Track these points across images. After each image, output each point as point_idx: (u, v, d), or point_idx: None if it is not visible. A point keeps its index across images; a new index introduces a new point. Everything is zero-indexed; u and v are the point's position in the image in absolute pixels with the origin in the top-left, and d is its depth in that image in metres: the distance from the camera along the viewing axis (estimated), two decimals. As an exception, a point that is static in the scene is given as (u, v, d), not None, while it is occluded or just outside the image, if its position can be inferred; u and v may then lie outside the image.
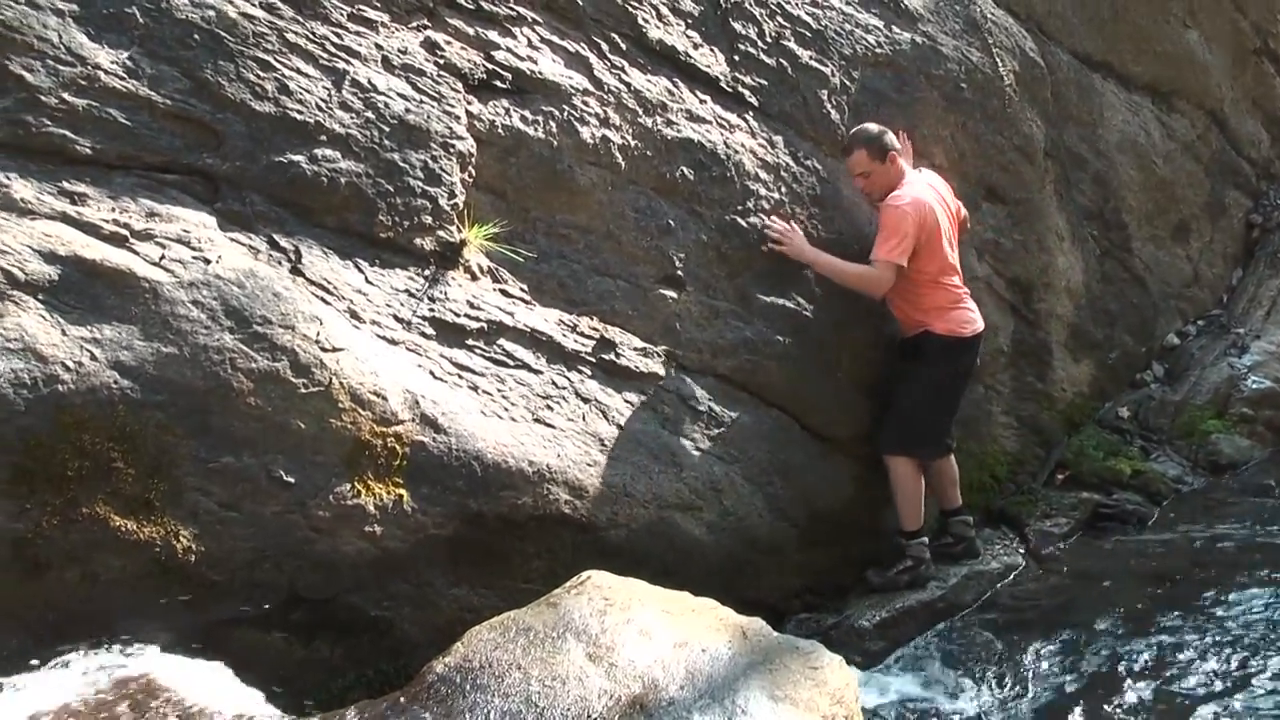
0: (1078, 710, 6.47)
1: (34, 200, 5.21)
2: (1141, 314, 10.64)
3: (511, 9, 6.76)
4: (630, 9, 7.18)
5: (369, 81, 6.15)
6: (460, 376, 6.07)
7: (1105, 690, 6.63)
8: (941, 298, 7.55)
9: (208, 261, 5.44)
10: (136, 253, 5.32)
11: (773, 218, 7.36)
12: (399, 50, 6.30)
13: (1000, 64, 9.12)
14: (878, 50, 8.31)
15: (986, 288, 8.83)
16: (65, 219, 5.25)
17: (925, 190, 7.52)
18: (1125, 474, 9.16)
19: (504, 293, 6.42)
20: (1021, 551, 8.32)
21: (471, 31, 6.58)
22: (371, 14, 6.27)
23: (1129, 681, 6.67)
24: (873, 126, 7.56)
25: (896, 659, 7.17)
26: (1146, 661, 6.85)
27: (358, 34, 6.20)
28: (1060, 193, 9.76)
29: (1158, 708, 6.42)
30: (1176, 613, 7.35)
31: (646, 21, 7.23)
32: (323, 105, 5.97)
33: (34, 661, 4.92)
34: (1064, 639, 7.16)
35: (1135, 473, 9.20)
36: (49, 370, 4.95)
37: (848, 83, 8.07)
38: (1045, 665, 6.94)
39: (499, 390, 6.17)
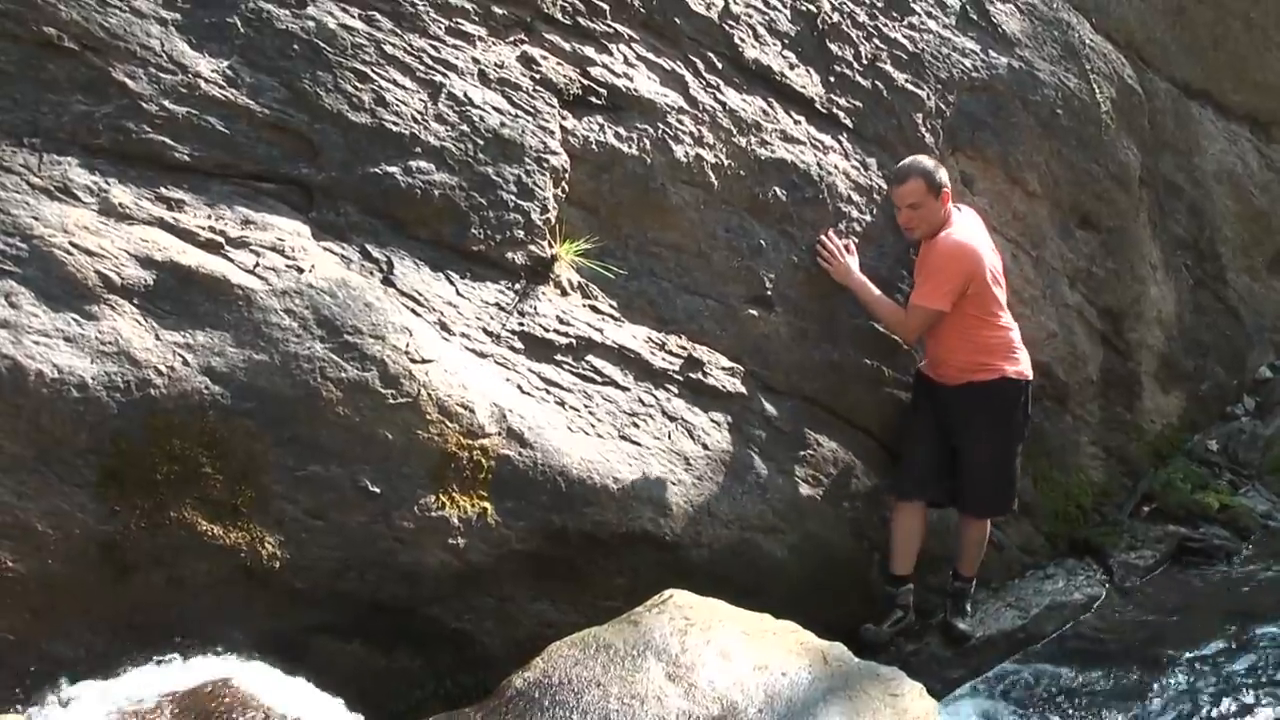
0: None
1: (132, 206, 5.26)
2: (1234, 346, 10.51)
3: (609, 25, 6.75)
4: (727, 28, 7.15)
5: (465, 95, 6.16)
6: (548, 391, 6.08)
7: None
8: (1005, 337, 7.20)
9: (301, 270, 5.47)
10: (231, 260, 5.36)
11: (830, 234, 7.22)
12: (495, 64, 6.31)
13: (1098, 90, 9.04)
14: (974, 74, 8.24)
15: (1078, 316, 8.75)
16: (162, 225, 5.30)
17: (976, 231, 7.28)
18: (1213, 508, 9.02)
19: (593, 309, 6.42)
20: (1105, 583, 8.22)
21: (568, 47, 6.58)
22: (469, 28, 6.28)
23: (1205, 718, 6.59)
24: (928, 160, 7.26)
25: (974, 687, 7.11)
26: (1227, 700, 6.76)
27: (455, 47, 6.21)
28: (1154, 221, 9.66)
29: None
30: (1261, 651, 7.25)
31: (743, 41, 7.20)
32: (418, 117, 5.99)
33: (118, 663, 4.97)
34: (1144, 674, 7.10)
35: (1223, 507, 9.06)
36: (142, 374, 5.00)
37: (943, 106, 8.01)
38: (1123, 699, 6.88)
39: (586, 406, 6.17)
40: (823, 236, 7.18)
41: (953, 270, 6.93)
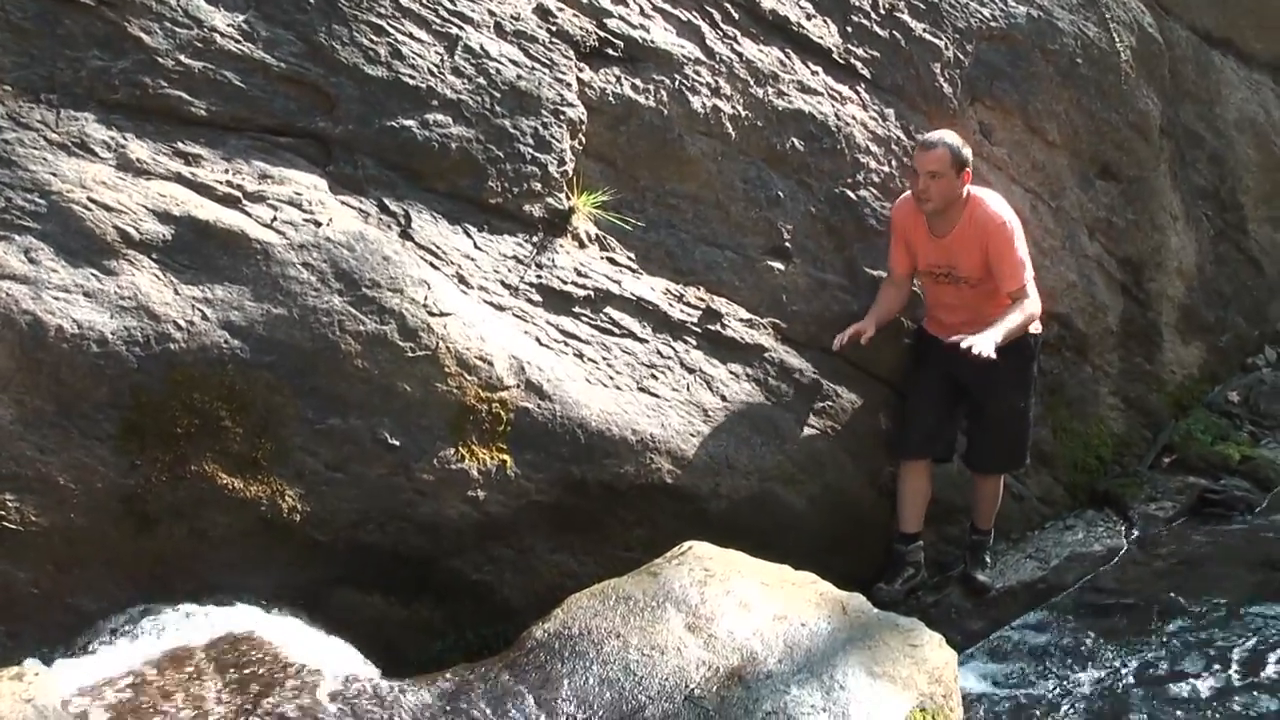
0: (1174, 696, 6.41)
1: (150, 160, 5.27)
2: (1255, 296, 10.47)
3: (624, -24, 6.74)
4: (743, -22, 7.14)
5: (481, 47, 6.15)
6: (566, 344, 6.08)
7: (1203, 677, 6.55)
8: None
9: (318, 224, 5.48)
10: (249, 214, 5.37)
11: (961, 339, 6.43)
12: (511, 16, 6.29)
13: (1117, 39, 8.98)
14: (992, 24, 8.19)
15: (1097, 266, 8.72)
16: (180, 179, 5.31)
17: (1000, 199, 7.07)
18: (1233, 459, 8.99)
19: (611, 261, 6.42)
20: (1125, 535, 8.21)
21: (584, -1, 6.58)
22: (485, -21, 6.28)
23: (1227, 670, 6.58)
24: (958, 136, 6.99)
25: (995, 638, 7.11)
26: (1247, 650, 6.75)
27: (471, 0, 6.20)
28: (1175, 171, 9.60)
29: (1257, 697, 6.34)
30: (1280, 602, 7.25)
31: (760, -9, 7.19)
32: (435, 70, 5.98)
33: (142, 613, 5.00)
34: (1164, 624, 7.08)
35: (1244, 458, 9.02)
36: (161, 328, 5.02)
37: (961, 56, 7.97)
38: (1144, 650, 6.86)
39: (604, 358, 6.17)
40: (963, 342, 6.38)
41: (1017, 238, 6.79)
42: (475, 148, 6.02)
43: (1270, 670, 6.57)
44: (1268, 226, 10.63)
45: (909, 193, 7.06)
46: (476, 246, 5.99)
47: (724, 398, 6.52)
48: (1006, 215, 6.82)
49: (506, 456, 5.74)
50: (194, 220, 5.22)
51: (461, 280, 5.86)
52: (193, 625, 4.96)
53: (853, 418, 7.05)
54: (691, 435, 6.31)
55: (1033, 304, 6.80)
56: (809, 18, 7.36)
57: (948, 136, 6.85)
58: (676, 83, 6.71)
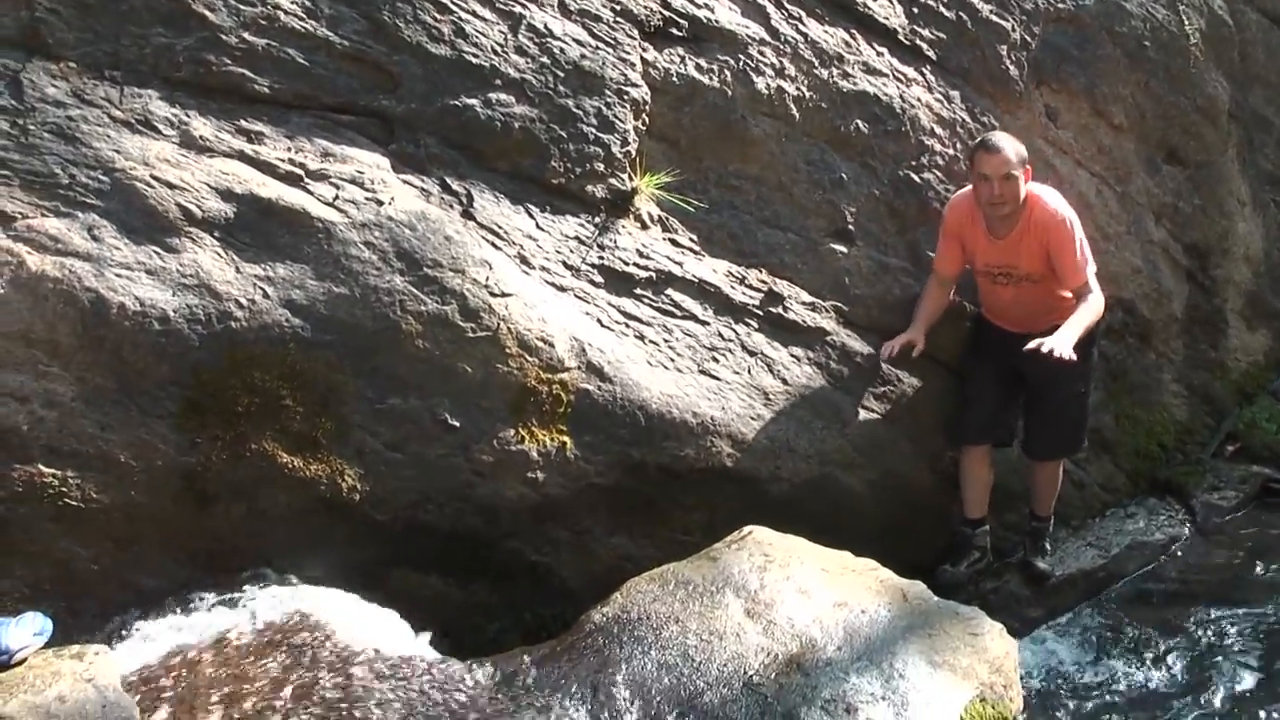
0: (1230, 687, 6.38)
1: (212, 138, 5.28)
2: (1322, 283, 10.36)
3: (689, -44, 6.70)
4: (809, -42, 7.09)
5: (545, 26, 6.13)
6: (627, 325, 6.06)
7: (1260, 669, 6.54)
8: None
9: (380, 203, 5.48)
10: (311, 193, 5.37)
11: (1039, 345, 6.23)
12: (576, -5, 6.28)
13: (1186, 22, 8.88)
14: (1060, 5, 8.10)
15: (1163, 252, 8.63)
16: (242, 157, 5.32)
17: (1056, 193, 6.88)
18: (1298, 448, 8.91)
19: (673, 242, 6.39)
20: (1186, 523, 8.13)
21: (649, -22, 6.54)
22: (549, -42, 6.26)
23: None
24: (1009, 135, 6.76)
25: (1054, 627, 7.07)
26: (1308, 642, 6.72)
27: (535, -22, 6.19)
28: (1243, 157, 9.49)
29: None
30: (1344, 593, 7.19)
31: (825, -29, 7.13)
32: (498, 49, 5.97)
33: (201, 591, 5.02)
34: (1223, 615, 7.04)
35: (1308, 447, 8.94)
36: (222, 307, 5.03)
37: (1028, 38, 7.89)
38: (1203, 640, 6.84)
39: (665, 340, 6.15)
40: (1043, 347, 6.19)
41: (1078, 234, 6.62)
42: (538, 127, 6.00)
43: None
44: (1337, 212, 10.51)
45: (964, 191, 6.89)
46: (539, 227, 5.97)
47: (785, 381, 6.48)
48: (1066, 212, 6.67)
49: (566, 438, 5.72)
50: (256, 198, 5.22)
51: (523, 261, 5.85)
52: (251, 604, 4.98)
53: (913, 402, 7.00)
54: (752, 418, 6.28)
55: (1097, 299, 6.65)
56: (874, -1, 7.32)
57: (1006, 137, 6.67)
58: (740, 63, 6.68)
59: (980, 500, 7.13)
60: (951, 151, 7.38)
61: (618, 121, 6.23)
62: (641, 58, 6.40)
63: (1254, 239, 9.54)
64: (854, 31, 7.19)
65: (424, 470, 5.44)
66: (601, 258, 6.11)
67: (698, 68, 6.56)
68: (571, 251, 6.03)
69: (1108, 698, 6.38)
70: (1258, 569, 7.57)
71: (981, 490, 7.11)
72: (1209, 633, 6.88)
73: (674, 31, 6.56)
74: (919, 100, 7.31)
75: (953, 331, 7.16)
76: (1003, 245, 6.71)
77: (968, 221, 6.80)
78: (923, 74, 7.42)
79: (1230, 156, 9.30)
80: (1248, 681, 6.41)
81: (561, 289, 5.93)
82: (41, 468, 4.77)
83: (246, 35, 5.42)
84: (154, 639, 4.75)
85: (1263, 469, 8.69)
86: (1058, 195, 6.81)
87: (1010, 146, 6.51)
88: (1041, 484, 7.33)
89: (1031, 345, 6.21)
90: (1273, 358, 9.75)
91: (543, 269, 5.91)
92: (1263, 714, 6.15)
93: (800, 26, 6.96)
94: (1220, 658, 6.64)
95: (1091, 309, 6.58)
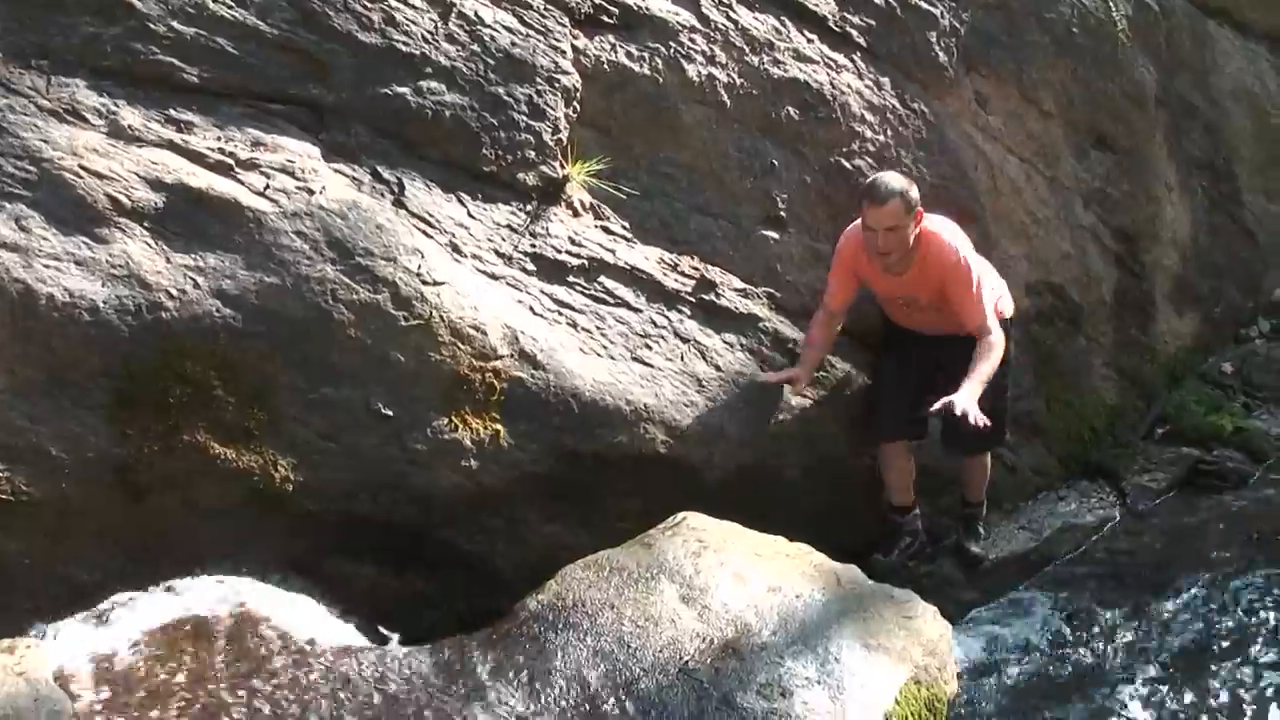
0: (1164, 667, 6.45)
1: (141, 128, 5.25)
2: (1249, 268, 10.46)
3: (619, -57, 6.70)
4: (739, -55, 7.10)
5: (475, 14, 6.12)
6: (560, 313, 6.06)
7: (1192, 648, 6.64)
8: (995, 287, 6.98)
9: (311, 192, 5.45)
10: (241, 182, 5.35)
11: (942, 403, 6.26)
12: (506, -17, 6.27)
13: (1113, 8, 8.95)
14: (989, -9, 8.18)
15: (1091, 237, 8.71)
16: (172, 147, 5.29)
17: (948, 225, 6.75)
18: (1226, 430, 8.95)
19: (605, 230, 6.39)
20: (1117, 505, 8.21)
21: (579, -35, 6.54)
22: (480, -54, 6.24)
23: (1217, 641, 6.64)
24: (901, 177, 6.55)
25: (988, 609, 7.12)
26: (1237, 620, 6.81)
27: (466, -34, 6.17)
28: (1170, 141, 9.58)
29: (1245, 668, 6.36)
30: (1273, 573, 7.25)
31: (755, -42, 7.15)
32: (429, 37, 5.95)
33: (134, 585, 4.98)
34: (1155, 595, 7.11)
35: (1237, 430, 8.99)
36: (153, 297, 5.00)
37: (957, 24, 7.93)
38: (1134, 621, 6.90)
39: (598, 328, 6.15)
40: (946, 410, 6.23)
41: (973, 272, 6.53)
42: (469, 115, 5.99)
43: (1260, 641, 6.61)
44: (1262, 197, 10.62)
45: (856, 225, 6.66)
46: (470, 215, 5.96)
47: (718, 368, 6.49)
48: (961, 250, 6.56)
49: (500, 426, 5.71)
50: (186, 188, 5.19)
51: (455, 249, 5.84)
52: (186, 597, 4.95)
53: (847, 388, 7.02)
54: (685, 405, 6.28)
55: (997, 340, 6.52)
56: (804, -15, 7.34)
57: (895, 182, 6.41)
58: (671, 50, 6.69)
59: (904, 487, 7.13)
60: (882, 138, 7.41)
61: (549, 109, 6.23)
62: (572, 45, 6.40)
63: (1181, 223, 9.64)
64: (784, 18, 7.21)
65: (357, 460, 5.41)
66: (533, 245, 6.10)
67: (628, 55, 6.56)
68: (503, 240, 6.02)
69: (1041, 678, 6.43)
70: (1187, 550, 7.65)
71: (904, 478, 7.10)
72: (1140, 613, 6.94)
73: (604, 19, 6.57)
74: (849, 87, 7.33)
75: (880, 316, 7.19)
76: (900, 280, 6.66)
77: (863, 258, 6.65)
78: (853, 61, 7.45)
79: (1157, 141, 9.40)
80: (1179, 662, 6.47)
81: (494, 277, 5.92)
82: (-30, 461, 4.74)
83: (175, 24, 5.38)
84: (86, 632, 4.71)
85: (1192, 451, 8.77)
86: (951, 228, 6.70)
87: (897, 197, 6.30)
88: (973, 470, 7.35)
89: (937, 407, 6.19)
90: (1200, 341, 9.86)
91: (474, 257, 5.89)
92: (1191, 693, 6.22)
93: (731, 13, 6.98)
94: (1152, 638, 6.71)
95: (990, 359, 6.45)
